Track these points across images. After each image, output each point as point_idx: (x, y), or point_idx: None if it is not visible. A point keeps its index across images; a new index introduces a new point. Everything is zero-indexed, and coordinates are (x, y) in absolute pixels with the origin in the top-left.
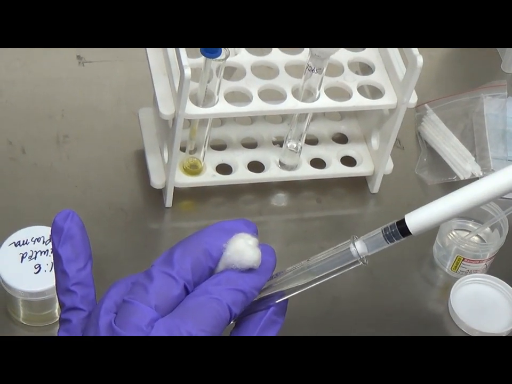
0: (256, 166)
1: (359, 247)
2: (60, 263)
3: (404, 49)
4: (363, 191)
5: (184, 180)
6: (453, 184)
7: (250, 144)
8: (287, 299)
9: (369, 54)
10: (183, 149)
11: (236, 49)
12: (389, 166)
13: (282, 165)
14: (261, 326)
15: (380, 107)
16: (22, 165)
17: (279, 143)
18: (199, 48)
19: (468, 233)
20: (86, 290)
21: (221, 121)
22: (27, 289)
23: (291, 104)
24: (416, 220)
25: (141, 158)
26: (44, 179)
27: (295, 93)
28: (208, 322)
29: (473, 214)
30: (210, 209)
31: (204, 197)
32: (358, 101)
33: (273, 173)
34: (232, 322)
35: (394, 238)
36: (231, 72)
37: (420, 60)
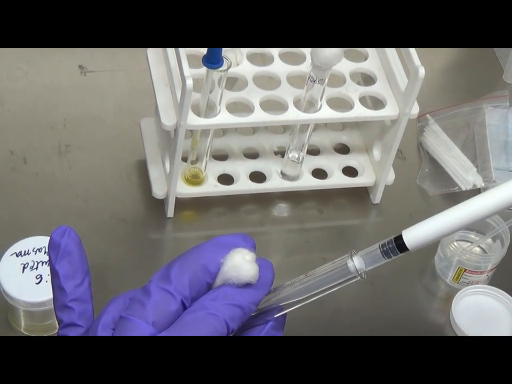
0: (257, 176)
1: (356, 262)
2: (57, 279)
3: (406, 59)
4: (365, 201)
5: (186, 190)
6: (454, 195)
7: (252, 155)
8: (285, 314)
9: (371, 65)
10: (184, 159)
11: (238, 59)
12: (390, 176)
13: (284, 175)
14: None
15: (381, 118)
16: (23, 174)
17: (281, 153)
18: (201, 59)
19: (469, 244)
20: (83, 307)
21: (223, 131)
22: (28, 299)
23: (293, 114)
24: (413, 236)
25: (142, 168)
26: (46, 189)
27: (297, 104)
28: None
29: (475, 225)
30: (212, 219)
31: (205, 207)
32: (359, 112)
33: (274, 183)
34: None
35: (391, 254)
36: (233, 83)
37: (422, 70)
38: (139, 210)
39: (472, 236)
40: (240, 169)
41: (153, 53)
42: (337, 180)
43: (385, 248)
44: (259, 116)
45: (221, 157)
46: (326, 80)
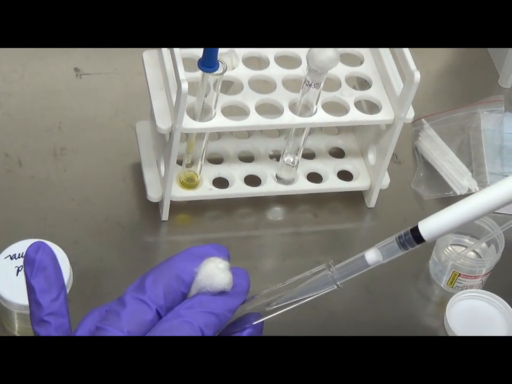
0: (252, 180)
1: (373, 255)
2: (33, 294)
3: (401, 64)
4: (359, 205)
5: (181, 194)
6: (449, 199)
7: (247, 158)
8: (263, 321)
9: (366, 69)
10: (179, 163)
11: (233, 63)
12: (385, 180)
13: (279, 179)
14: None
15: (377, 122)
16: (18, 177)
17: (276, 157)
18: (196, 63)
19: (464, 248)
20: (60, 320)
21: (218, 135)
22: (22, 302)
23: (288, 118)
24: (429, 227)
25: (137, 171)
26: (41, 192)
27: (292, 108)
28: None
29: (470, 229)
30: (207, 222)
31: (200, 211)
32: (355, 116)
33: (269, 187)
34: None
35: (408, 246)
36: (228, 86)
37: (417, 75)
38: (134, 214)
39: (467, 241)
40: (235, 172)
41: (148, 56)
42: (332, 183)
43: (401, 240)
44: (254, 120)
45: (216, 160)
46: (322, 84)
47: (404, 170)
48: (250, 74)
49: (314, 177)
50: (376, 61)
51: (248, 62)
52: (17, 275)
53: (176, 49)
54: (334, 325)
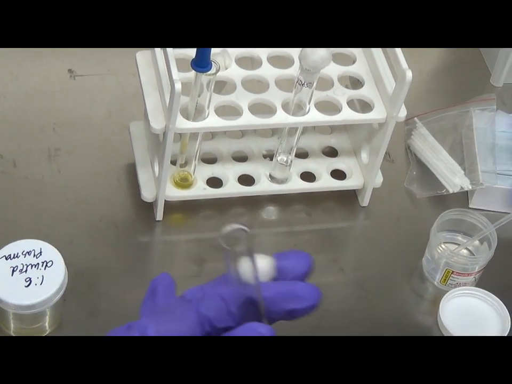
0: (246, 179)
1: None
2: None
3: (393, 63)
4: (353, 204)
5: (175, 193)
6: (442, 198)
7: (241, 158)
8: None
9: (358, 68)
10: (173, 162)
11: (226, 63)
12: (378, 179)
13: (272, 178)
14: None
15: (369, 121)
16: (13, 178)
17: (269, 156)
18: (189, 63)
19: (457, 246)
20: None
21: (212, 134)
22: (18, 302)
23: (281, 118)
24: None
25: (132, 172)
26: (35, 192)
27: (285, 107)
28: None
29: (462, 227)
30: (201, 222)
31: (194, 210)
32: (347, 115)
33: (263, 186)
34: None
35: None
36: (222, 86)
37: (409, 74)
38: (128, 214)
39: (460, 238)
40: (229, 172)
41: (142, 57)
42: (325, 182)
43: None
44: (248, 119)
45: (209, 160)
46: (315, 84)
47: (396, 169)
48: (243, 74)
49: (307, 176)
50: (368, 60)
51: (241, 62)
52: (12, 275)
53: (169, 50)
54: (328, 323)
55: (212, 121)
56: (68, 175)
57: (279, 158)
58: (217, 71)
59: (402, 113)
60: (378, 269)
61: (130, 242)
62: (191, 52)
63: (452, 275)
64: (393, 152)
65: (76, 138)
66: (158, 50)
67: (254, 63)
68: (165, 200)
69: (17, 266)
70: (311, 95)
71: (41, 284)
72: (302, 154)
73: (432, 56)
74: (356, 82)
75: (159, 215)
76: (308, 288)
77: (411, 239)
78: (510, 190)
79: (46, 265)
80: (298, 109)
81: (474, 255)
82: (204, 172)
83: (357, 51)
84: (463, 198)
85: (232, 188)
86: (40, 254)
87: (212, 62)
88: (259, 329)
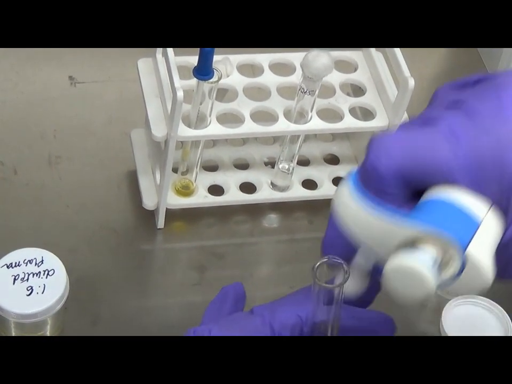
0: (248, 187)
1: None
2: None
3: (395, 70)
4: None
5: (176, 201)
6: None
7: (242, 165)
8: None
9: (360, 76)
10: (175, 170)
11: (228, 71)
12: None
13: (274, 186)
14: None
15: (371, 129)
16: (13, 185)
17: (271, 164)
18: (191, 70)
19: None
20: None
21: (213, 142)
22: (19, 311)
23: (283, 126)
24: None
25: (133, 179)
26: (36, 199)
27: (287, 115)
28: None
29: None
30: (202, 230)
31: (195, 218)
32: (349, 123)
33: (265, 194)
34: None
35: None
36: (223, 94)
37: (412, 82)
38: (129, 221)
39: None
40: (231, 180)
41: (143, 64)
42: (327, 190)
43: None
44: (249, 127)
45: (211, 167)
46: (317, 92)
47: None
48: (245, 82)
49: (309, 184)
50: (370, 68)
51: (242, 69)
52: (13, 284)
53: (171, 58)
54: None
55: (214, 129)
56: (68, 182)
57: (280, 166)
58: (219, 78)
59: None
60: None
61: (131, 250)
62: (193, 60)
63: None
64: None
65: (76, 145)
66: (160, 58)
67: (255, 71)
68: (166, 208)
69: (18, 275)
70: (313, 103)
71: (42, 292)
72: (304, 162)
73: (432, 62)
74: (357, 90)
75: (160, 223)
76: (386, 326)
77: None
78: None
79: (48, 273)
80: (300, 116)
81: None
82: (205, 179)
83: (358, 58)
84: None
85: (233, 196)
86: (42, 263)
87: (214, 70)
88: None
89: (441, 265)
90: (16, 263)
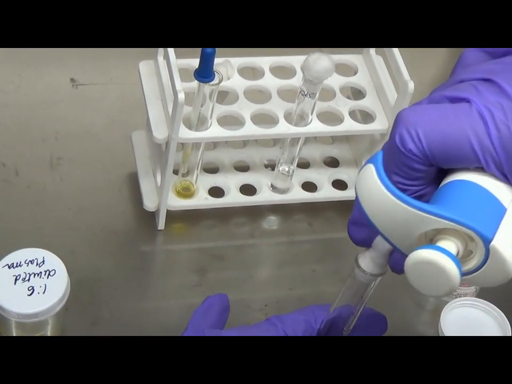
0: (248, 189)
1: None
2: None
3: (395, 74)
4: None
5: (177, 203)
6: None
7: (243, 168)
8: None
9: (360, 79)
10: (175, 172)
11: (229, 73)
12: None
13: (274, 188)
14: None
15: (371, 132)
16: (15, 187)
17: (271, 166)
18: (192, 73)
19: None
20: None
21: (214, 144)
22: (20, 311)
23: (283, 128)
24: None
25: (133, 181)
26: (37, 201)
27: (288, 117)
28: None
29: None
30: (203, 231)
31: (196, 220)
32: (350, 126)
33: (265, 196)
34: None
35: None
36: (224, 96)
37: (411, 85)
38: (130, 223)
39: None
40: (231, 182)
41: (145, 67)
42: (326, 193)
43: None
44: (250, 130)
45: (211, 169)
46: (317, 95)
47: None
48: (246, 85)
49: (309, 186)
50: (370, 71)
51: (243, 72)
52: (15, 284)
53: (172, 60)
54: None
55: (215, 131)
56: (69, 184)
57: (280, 168)
58: (220, 81)
59: None
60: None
61: (132, 251)
62: (194, 62)
63: None
64: None
65: (78, 148)
66: (161, 60)
67: (256, 74)
68: (167, 210)
69: (20, 275)
70: (314, 106)
71: (44, 292)
72: (303, 164)
73: (432, 65)
74: (357, 93)
75: (161, 225)
76: (378, 322)
77: None
78: None
79: (49, 274)
80: (301, 119)
81: None
82: (205, 181)
83: (358, 62)
84: None
85: (233, 198)
86: (43, 263)
87: (215, 73)
88: None
89: (463, 256)
90: (17, 263)
